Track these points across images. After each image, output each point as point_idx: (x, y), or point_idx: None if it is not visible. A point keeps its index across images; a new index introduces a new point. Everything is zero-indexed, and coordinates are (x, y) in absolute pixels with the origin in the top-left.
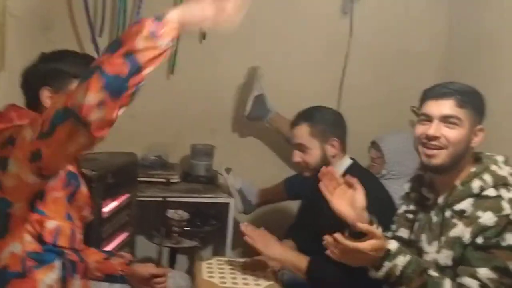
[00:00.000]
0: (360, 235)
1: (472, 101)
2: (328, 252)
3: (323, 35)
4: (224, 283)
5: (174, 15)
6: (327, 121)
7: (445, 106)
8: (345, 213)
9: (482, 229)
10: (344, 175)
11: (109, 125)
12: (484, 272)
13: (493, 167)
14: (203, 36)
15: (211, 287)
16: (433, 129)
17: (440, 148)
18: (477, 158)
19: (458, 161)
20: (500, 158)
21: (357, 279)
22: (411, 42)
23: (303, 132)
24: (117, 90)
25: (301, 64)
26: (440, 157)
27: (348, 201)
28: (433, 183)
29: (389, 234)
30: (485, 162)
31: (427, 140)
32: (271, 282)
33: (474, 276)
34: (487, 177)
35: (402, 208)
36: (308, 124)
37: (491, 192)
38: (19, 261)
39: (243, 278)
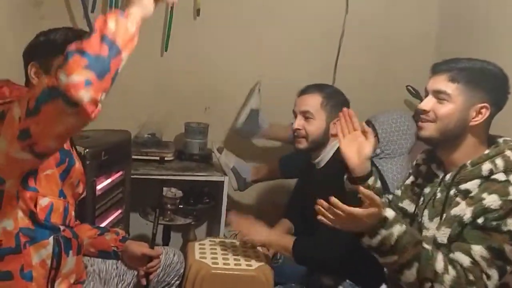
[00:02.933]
0: (356, 182)
1: (470, 77)
2: (319, 217)
3: (320, 13)
4: (216, 263)
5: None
6: (339, 100)
7: (437, 81)
8: (350, 157)
9: (484, 211)
10: (334, 155)
11: (95, 107)
12: (478, 250)
13: (508, 153)
14: (197, 12)
15: (203, 267)
16: (424, 102)
17: (428, 121)
18: (494, 141)
19: (451, 136)
20: None
21: (344, 256)
22: (406, 21)
23: (314, 101)
24: (101, 70)
25: (297, 42)
26: (427, 130)
27: (356, 147)
28: (442, 161)
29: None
30: (501, 146)
31: (419, 114)
32: (263, 263)
33: (467, 252)
34: (499, 162)
35: (409, 179)
36: (321, 95)
37: (500, 176)
38: (12, 237)
39: (235, 259)
